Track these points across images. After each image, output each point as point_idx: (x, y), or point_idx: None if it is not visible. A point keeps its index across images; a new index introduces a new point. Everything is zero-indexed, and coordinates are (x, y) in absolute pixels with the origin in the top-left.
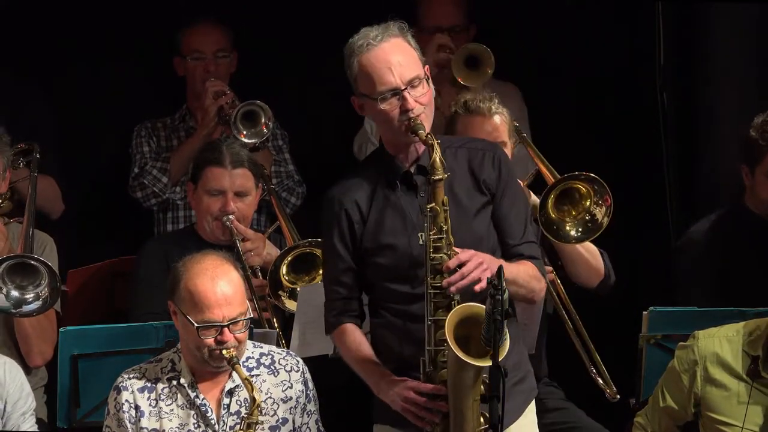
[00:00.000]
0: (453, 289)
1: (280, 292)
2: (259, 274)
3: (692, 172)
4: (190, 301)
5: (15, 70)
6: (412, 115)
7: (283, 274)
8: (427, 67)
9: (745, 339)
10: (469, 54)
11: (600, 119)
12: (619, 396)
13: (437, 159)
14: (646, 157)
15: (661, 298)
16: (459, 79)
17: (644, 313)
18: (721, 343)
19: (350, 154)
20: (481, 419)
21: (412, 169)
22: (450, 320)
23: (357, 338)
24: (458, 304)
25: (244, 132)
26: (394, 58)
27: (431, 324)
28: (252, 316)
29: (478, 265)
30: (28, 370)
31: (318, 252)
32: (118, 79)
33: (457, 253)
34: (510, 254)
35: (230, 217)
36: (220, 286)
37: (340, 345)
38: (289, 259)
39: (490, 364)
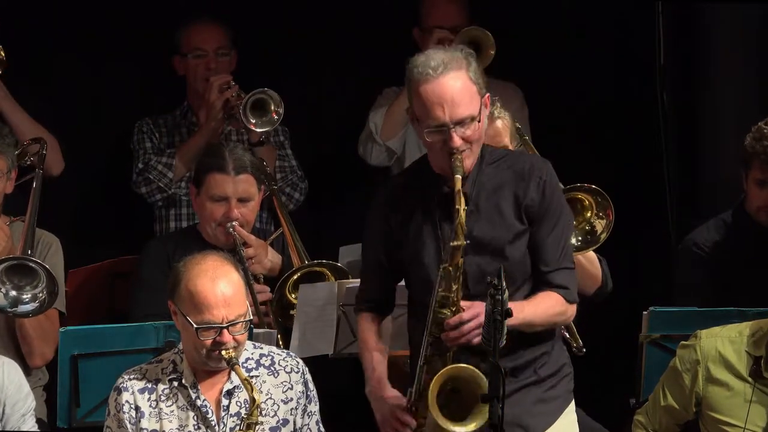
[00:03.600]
0: (449, 343)
1: (292, 312)
2: (262, 280)
3: (693, 172)
4: (190, 302)
5: (13, 67)
6: (454, 152)
7: (289, 293)
8: (487, 96)
9: (748, 339)
10: (469, 39)
11: (600, 119)
12: (585, 350)
13: (459, 225)
14: (647, 157)
15: (661, 298)
16: None
17: (644, 312)
18: (724, 343)
19: (350, 150)
20: None
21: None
22: (436, 381)
23: (366, 327)
24: (453, 354)
25: (254, 121)
26: (449, 95)
27: (423, 365)
28: (252, 317)
29: (478, 325)
30: (27, 370)
31: (324, 270)
32: (117, 76)
33: (463, 310)
34: (540, 281)
35: (233, 223)
36: (220, 287)
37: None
38: (296, 278)
39: (468, 430)
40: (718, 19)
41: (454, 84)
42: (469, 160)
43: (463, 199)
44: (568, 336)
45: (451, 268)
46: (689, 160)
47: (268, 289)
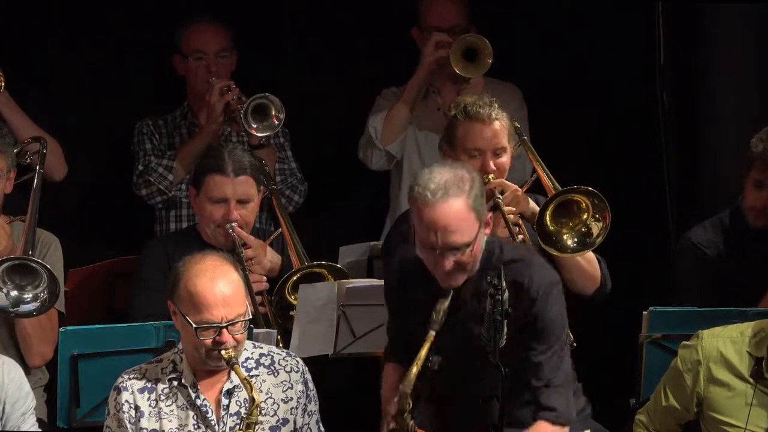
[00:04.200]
0: None
1: (292, 313)
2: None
3: (692, 172)
4: (189, 302)
5: (13, 67)
6: (441, 273)
7: (289, 294)
8: (488, 216)
9: (750, 340)
10: (466, 46)
11: (600, 119)
12: (576, 344)
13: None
14: (646, 156)
15: (661, 298)
16: (457, 70)
17: (644, 312)
18: (725, 343)
19: (350, 151)
20: None
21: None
22: None
23: (390, 371)
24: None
25: (255, 126)
26: (443, 223)
27: None
28: (251, 316)
29: None
30: (27, 370)
31: (323, 271)
32: (117, 76)
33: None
34: (533, 394)
35: (233, 224)
36: (219, 286)
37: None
38: (295, 279)
39: None
40: (718, 20)
41: (449, 212)
42: (462, 276)
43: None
44: None
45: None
46: (689, 160)
47: (265, 278)
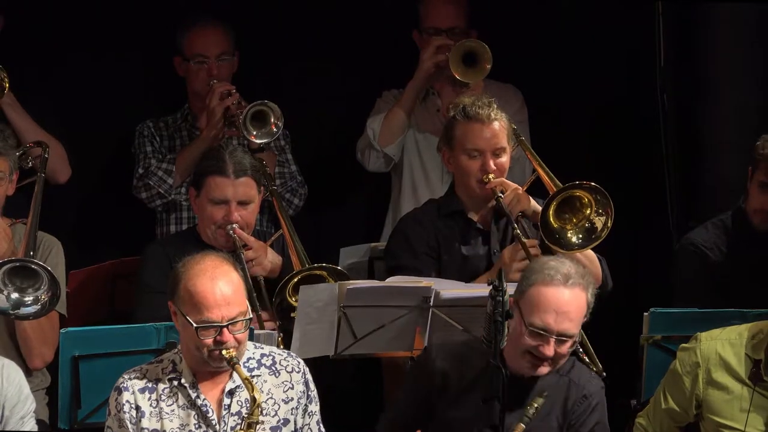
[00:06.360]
0: None
1: (293, 314)
2: (262, 282)
3: (693, 173)
4: (190, 302)
5: (15, 69)
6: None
7: (290, 296)
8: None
9: (748, 342)
10: (466, 51)
11: (600, 121)
12: (604, 374)
13: None
14: (647, 158)
15: (662, 299)
16: (457, 75)
17: (645, 314)
18: (724, 345)
19: (351, 153)
20: None
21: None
22: None
23: None
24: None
25: (255, 132)
26: (565, 309)
27: None
28: (251, 316)
29: None
30: (28, 372)
31: (323, 273)
32: (118, 78)
33: None
34: None
35: (233, 225)
36: (219, 286)
37: None
38: (296, 281)
39: None
40: (719, 20)
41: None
42: (548, 369)
43: None
44: (587, 360)
45: None
46: (690, 161)
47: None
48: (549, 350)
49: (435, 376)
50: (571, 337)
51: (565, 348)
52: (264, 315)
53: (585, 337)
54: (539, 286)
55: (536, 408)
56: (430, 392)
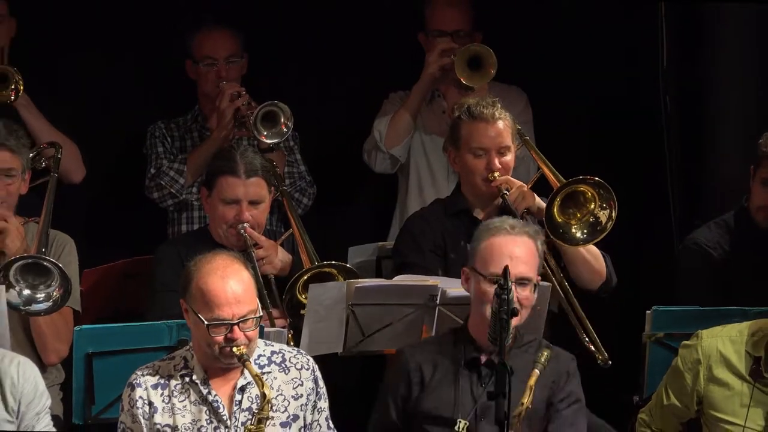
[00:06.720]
0: None
1: (302, 312)
2: (273, 281)
3: (695, 173)
4: (201, 300)
5: (29, 71)
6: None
7: (300, 293)
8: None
9: (748, 339)
10: (471, 55)
11: (604, 122)
12: (610, 362)
13: None
14: (650, 158)
15: (664, 298)
16: (462, 80)
17: (647, 312)
18: (725, 342)
19: (358, 153)
20: None
21: (482, 358)
22: None
23: None
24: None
25: (265, 133)
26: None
27: None
28: (261, 314)
29: None
30: (43, 367)
31: (333, 271)
32: (129, 80)
33: None
34: None
35: (245, 225)
36: (230, 284)
37: None
38: (306, 279)
39: None
40: (721, 19)
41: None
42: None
43: None
44: (593, 349)
45: None
46: (692, 161)
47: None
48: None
49: (411, 373)
50: (529, 279)
51: (527, 292)
52: (275, 312)
53: (589, 325)
54: (488, 239)
55: (546, 357)
56: (410, 389)
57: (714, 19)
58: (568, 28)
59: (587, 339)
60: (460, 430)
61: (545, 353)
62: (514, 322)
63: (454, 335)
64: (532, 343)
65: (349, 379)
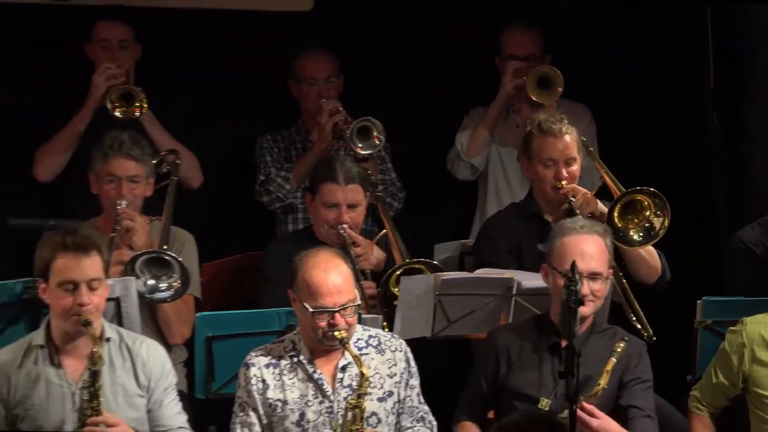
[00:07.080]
0: None
1: (395, 302)
2: (369, 276)
3: (739, 180)
4: (307, 290)
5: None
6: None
7: (393, 286)
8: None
9: None
10: (541, 75)
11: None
12: (655, 338)
13: None
14: (698, 170)
15: (714, 289)
16: (533, 97)
17: (698, 302)
18: (766, 327)
19: (444, 165)
20: None
21: (563, 343)
22: None
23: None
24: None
25: (360, 145)
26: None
27: None
28: (360, 303)
29: None
30: (169, 347)
31: (421, 266)
32: (240, 96)
33: None
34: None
35: (344, 226)
36: (331, 277)
37: None
38: (398, 273)
39: None
40: (764, 21)
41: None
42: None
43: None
44: (639, 327)
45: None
46: (736, 170)
47: (375, 285)
48: (584, 288)
49: (500, 353)
50: (599, 274)
51: (598, 285)
52: (365, 283)
53: (637, 306)
54: (561, 239)
55: (623, 348)
56: (498, 367)
57: (757, 20)
58: (627, 53)
59: (634, 318)
60: (545, 407)
61: (622, 345)
62: (585, 311)
63: (537, 322)
64: (608, 331)
65: (437, 361)
